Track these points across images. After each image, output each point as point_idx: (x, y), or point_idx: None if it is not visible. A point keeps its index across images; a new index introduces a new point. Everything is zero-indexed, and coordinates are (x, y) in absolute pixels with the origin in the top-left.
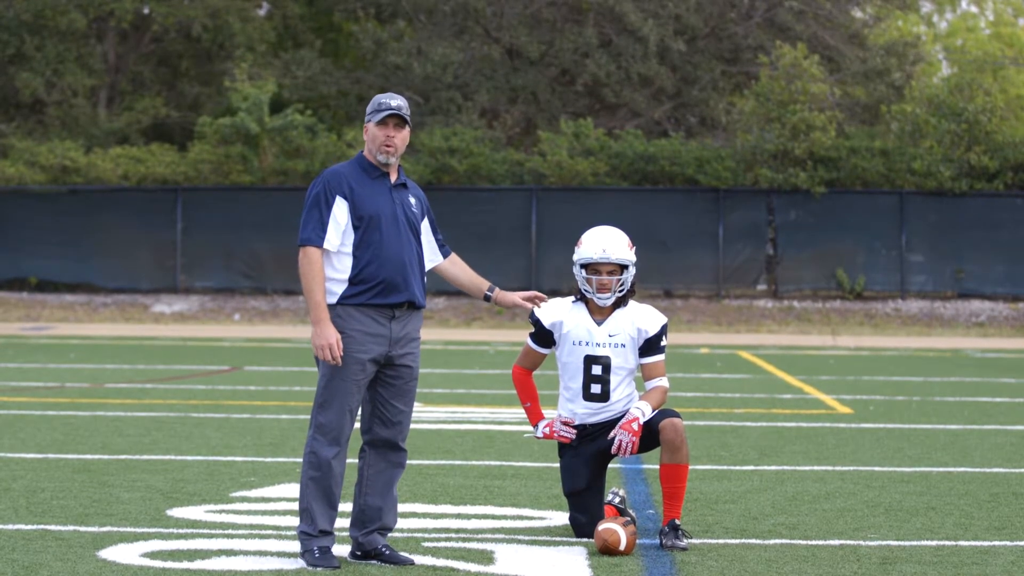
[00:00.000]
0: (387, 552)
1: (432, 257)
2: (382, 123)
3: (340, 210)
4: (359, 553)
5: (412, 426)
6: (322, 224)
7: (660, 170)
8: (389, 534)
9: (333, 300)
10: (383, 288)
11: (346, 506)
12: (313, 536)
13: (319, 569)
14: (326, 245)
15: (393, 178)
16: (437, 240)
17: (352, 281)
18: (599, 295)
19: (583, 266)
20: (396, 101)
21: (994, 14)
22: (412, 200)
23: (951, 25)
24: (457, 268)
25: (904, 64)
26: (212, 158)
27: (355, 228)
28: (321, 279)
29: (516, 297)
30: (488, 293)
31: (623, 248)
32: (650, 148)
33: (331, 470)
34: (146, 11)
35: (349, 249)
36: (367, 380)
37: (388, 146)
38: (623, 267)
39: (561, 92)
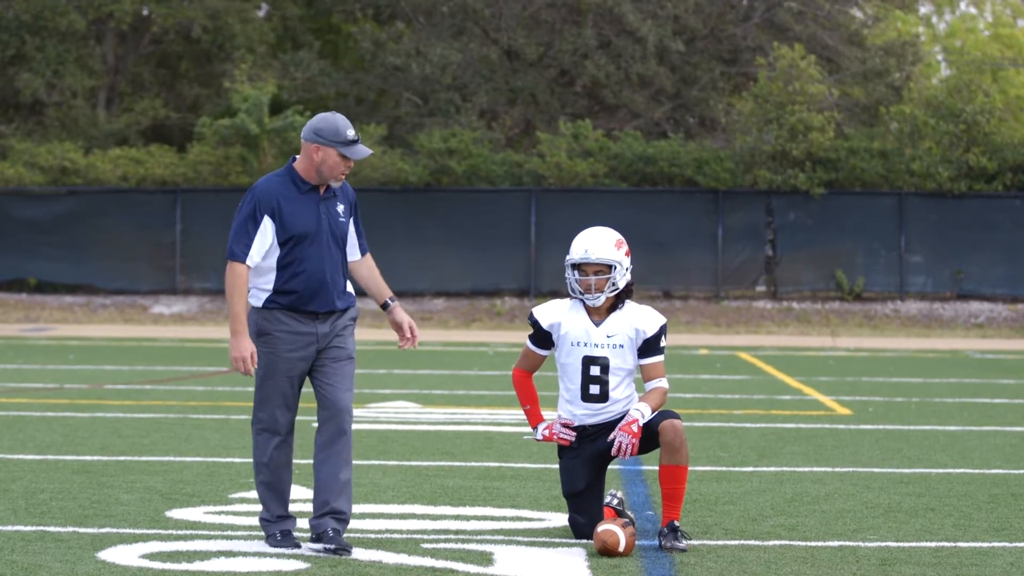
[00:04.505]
0: (331, 534)
1: (351, 253)
2: (344, 156)
3: (266, 229)
4: (314, 537)
5: (411, 427)
6: (249, 241)
7: (659, 171)
8: (348, 526)
9: (259, 303)
10: (303, 300)
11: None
12: (272, 522)
13: (281, 550)
14: (248, 262)
15: (322, 191)
16: (358, 237)
17: (276, 291)
18: (586, 295)
19: (573, 267)
20: (357, 135)
21: (993, 15)
22: (340, 208)
23: (950, 26)
24: (365, 269)
25: (903, 64)
26: (211, 159)
27: (281, 245)
28: (244, 293)
29: (404, 322)
30: (388, 302)
31: (606, 248)
32: (649, 149)
33: (278, 464)
34: (145, 12)
35: (274, 263)
36: (302, 374)
37: (343, 175)
38: (609, 267)
39: (560, 93)
